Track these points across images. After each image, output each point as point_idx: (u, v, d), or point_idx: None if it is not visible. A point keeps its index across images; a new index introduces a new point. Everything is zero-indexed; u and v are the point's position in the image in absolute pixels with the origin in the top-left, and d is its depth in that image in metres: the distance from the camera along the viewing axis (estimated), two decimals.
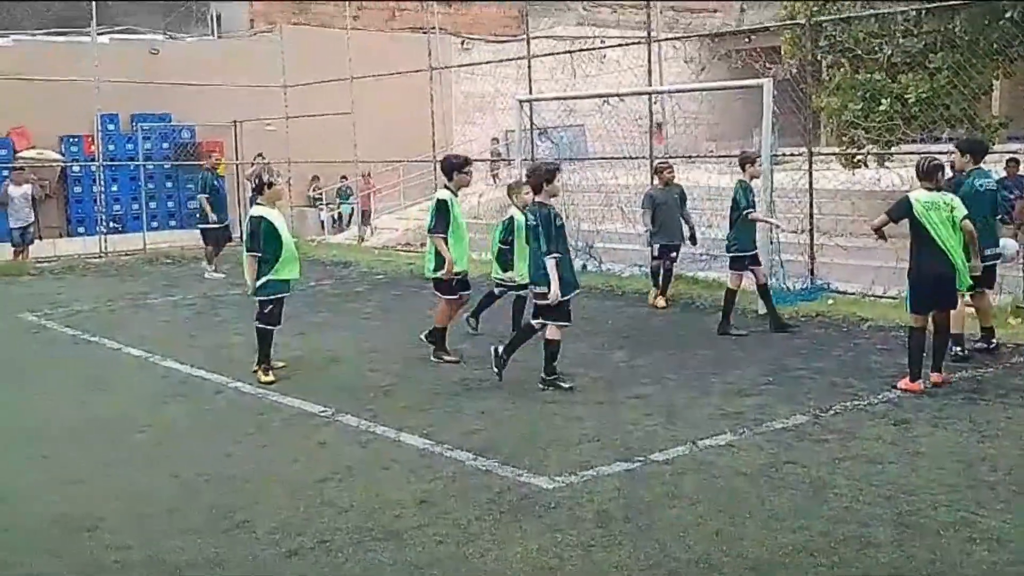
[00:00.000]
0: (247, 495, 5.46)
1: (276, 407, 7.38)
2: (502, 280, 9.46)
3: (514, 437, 6.42)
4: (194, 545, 4.76)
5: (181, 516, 5.17)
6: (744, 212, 9.29)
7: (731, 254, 9.47)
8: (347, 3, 19.89)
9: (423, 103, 17.51)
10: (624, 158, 12.32)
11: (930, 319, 7.29)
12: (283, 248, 8.13)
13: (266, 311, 8.17)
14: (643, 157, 12.92)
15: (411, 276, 14.46)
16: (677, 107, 13.58)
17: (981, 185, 8.06)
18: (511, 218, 9.24)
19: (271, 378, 8.04)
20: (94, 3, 17.59)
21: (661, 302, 10.85)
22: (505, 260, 9.33)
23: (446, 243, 8.41)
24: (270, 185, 8.21)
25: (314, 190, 22.74)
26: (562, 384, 7.52)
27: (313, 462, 6.05)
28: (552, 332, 7.55)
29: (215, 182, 15.55)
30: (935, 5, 11.26)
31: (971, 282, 7.32)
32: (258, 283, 8.10)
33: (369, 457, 6.13)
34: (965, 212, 7.16)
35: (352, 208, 22.43)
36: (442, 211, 8.41)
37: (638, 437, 6.30)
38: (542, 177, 7.52)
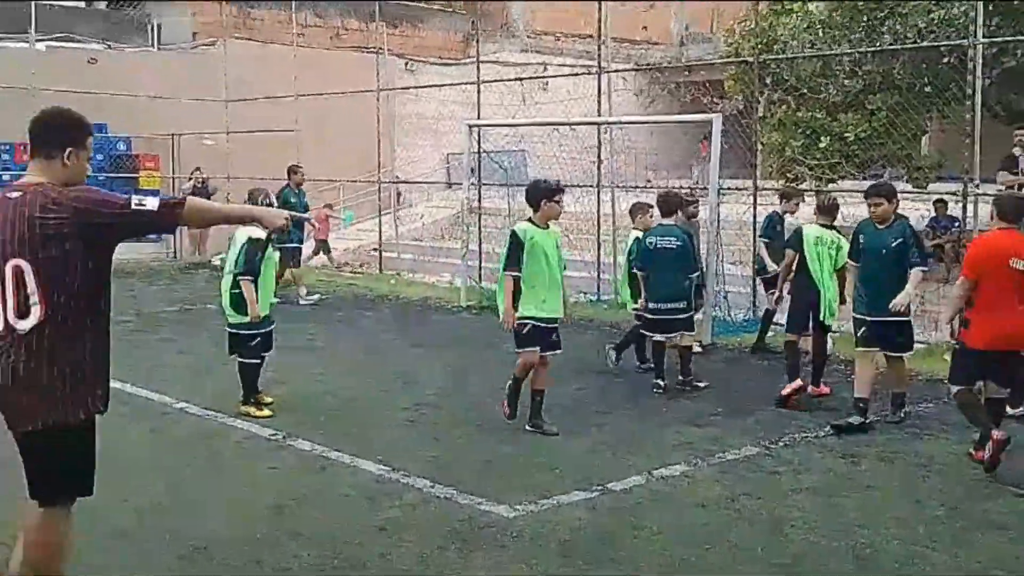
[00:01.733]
0: (202, 521, 5.33)
1: (226, 430, 7.24)
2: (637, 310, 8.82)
3: (471, 465, 6.40)
4: (149, 572, 4.64)
5: (135, 541, 5.04)
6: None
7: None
8: (293, 20, 19.73)
9: (367, 122, 17.45)
10: (576, 186, 12.43)
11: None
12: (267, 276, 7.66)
13: (254, 344, 7.66)
14: (590, 185, 13.07)
15: (354, 298, 14.36)
16: (627, 137, 13.77)
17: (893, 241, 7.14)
18: (636, 240, 8.85)
19: (266, 412, 7.54)
20: (34, 7, 17.18)
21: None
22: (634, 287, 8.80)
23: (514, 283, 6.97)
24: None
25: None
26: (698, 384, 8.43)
27: (268, 488, 5.95)
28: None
29: (292, 198, 13.71)
30: (877, 48, 11.63)
31: (833, 314, 8.05)
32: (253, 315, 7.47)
33: (325, 483, 6.05)
34: (846, 257, 7.67)
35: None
36: (514, 245, 6.95)
37: (595, 466, 6.32)
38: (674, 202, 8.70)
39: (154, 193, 3.07)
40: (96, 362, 3.81)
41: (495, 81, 15.85)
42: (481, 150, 13.98)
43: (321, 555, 4.85)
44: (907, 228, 7.23)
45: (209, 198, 19.08)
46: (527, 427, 7.06)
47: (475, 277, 13.83)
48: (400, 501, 5.67)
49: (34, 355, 3.62)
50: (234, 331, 7.65)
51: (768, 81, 12.26)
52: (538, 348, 7.01)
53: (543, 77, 17.02)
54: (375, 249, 18.56)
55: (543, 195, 7.02)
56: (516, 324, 6.95)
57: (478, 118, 14.66)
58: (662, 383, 8.32)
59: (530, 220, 7.07)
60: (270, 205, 7.77)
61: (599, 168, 13.03)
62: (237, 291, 7.48)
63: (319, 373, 9.21)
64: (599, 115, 12.95)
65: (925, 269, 7.27)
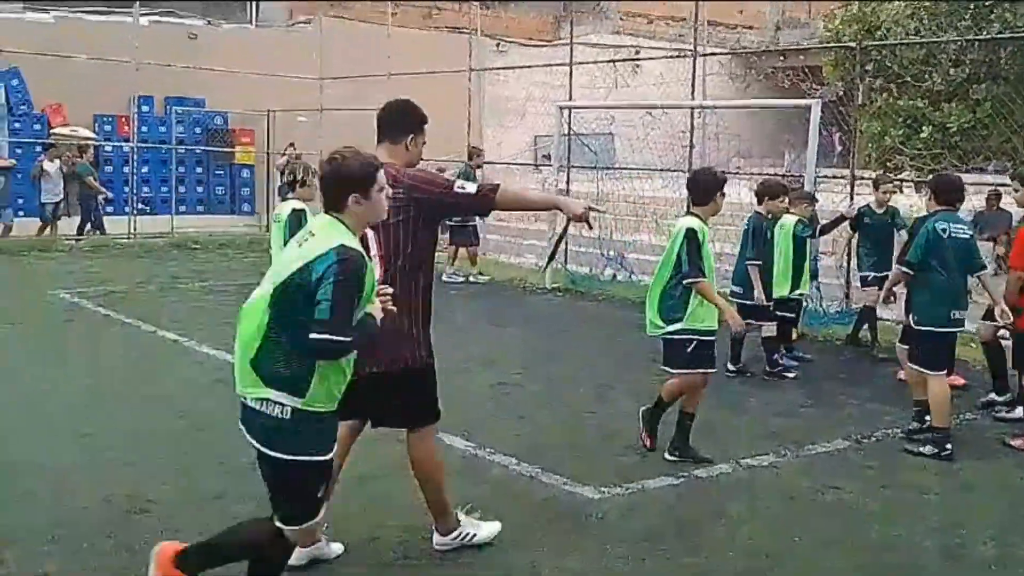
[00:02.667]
0: None
1: None
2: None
3: (555, 445, 6.42)
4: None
5: (229, 503, 5.18)
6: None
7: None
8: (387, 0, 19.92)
9: (457, 103, 17.53)
10: (668, 170, 12.31)
11: None
12: None
13: None
14: (681, 170, 12.91)
15: (439, 277, 14.48)
16: (720, 122, 13.57)
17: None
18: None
19: None
20: None
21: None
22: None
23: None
24: (302, 183, 7.59)
25: None
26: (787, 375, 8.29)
27: (356, 458, 6.03)
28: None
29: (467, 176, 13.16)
30: (985, 37, 11.24)
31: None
32: None
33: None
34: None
35: None
36: (693, 246, 5.86)
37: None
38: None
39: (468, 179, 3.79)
40: (416, 322, 4.30)
41: (588, 63, 15.74)
42: (571, 132, 13.93)
43: (408, 525, 4.92)
44: None
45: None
46: (668, 455, 6.08)
47: (560, 260, 13.81)
48: (486, 477, 5.73)
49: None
50: None
51: (869, 68, 11.93)
52: (704, 369, 6.05)
53: (637, 60, 16.85)
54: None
55: (717, 186, 6.07)
56: (676, 340, 5.96)
57: (569, 99, 14.60)
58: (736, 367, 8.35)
59: (695, 215, 6.07)
60: (303, 180, 7.42)
61: (690, 153, 12.88)
62: None
63: None
64: (692, 99, 12.79)
65: None
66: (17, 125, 18.61)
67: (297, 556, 4.14)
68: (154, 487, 5.38)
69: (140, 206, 18.56)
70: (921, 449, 6.36)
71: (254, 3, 22.80)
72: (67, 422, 6.61)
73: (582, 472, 5.80)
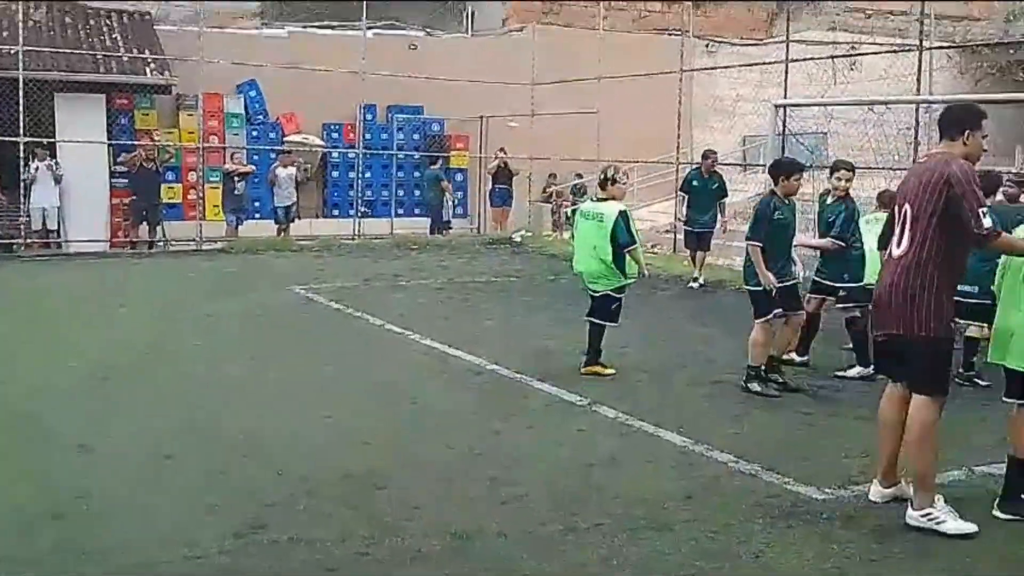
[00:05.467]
0: (519, 472, 5.70)
1: (535, 392, 7.64)
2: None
3: (773, 444, 6.36)
4: (476, 514, 5.02)
5: (460, 485, 5.46)
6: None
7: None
8: (599, 4, 20.12)
9: (665, 104, 17.50)
10: (892, 169, 11.83)
11: None
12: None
13: (613, 307, 8.22)
14: (903, 168, 12.36)
15: (649, 277, 14.46)
16: None
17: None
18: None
19: (611, 371, 8.16)
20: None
21: None
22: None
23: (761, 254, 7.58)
24: (613, 181, 8.22)
25: (549, 187, 23.20)
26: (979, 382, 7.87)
27: (578, 447, 6.23)
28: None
29: (696, 182, 13.79)
30: None
31: None
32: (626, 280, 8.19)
33: (630, 448, 6.25)
34: None
35: None
36: (760, 217, 7.68)
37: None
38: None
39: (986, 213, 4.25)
40: (934, 296, 4.86)
41: (805, 60, 15.33)
42: (786, 131, 13.61)
43: (630, 514, 5.03)
44: None
45: (511, 177, 20.01)
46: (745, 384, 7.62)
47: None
48: (703, 473, 5.75)
49: (896, 275, 4.95)
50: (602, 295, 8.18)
51: None
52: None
53: (858, 55, 16.23)
54: (667, 231, 18.62)
55: (780, 172, 7.81)
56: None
57: (785, 97, 14.28)
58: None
59: (774, 192, 7.75)
60: (614, 179, 8.17)
61: (915, 150, 12.32)
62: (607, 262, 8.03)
63: (621, 345, 9.41)
64: (918, 94, 12.23)
65: None
66: (255, 133, 20.12)
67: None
68: (390, 466, 5.75)
69: (363, 209, 19.62)
70: None
71: (471, 12, 23.58)
72: (312, 405, 7.14)
73: (804, 472, 5.71)
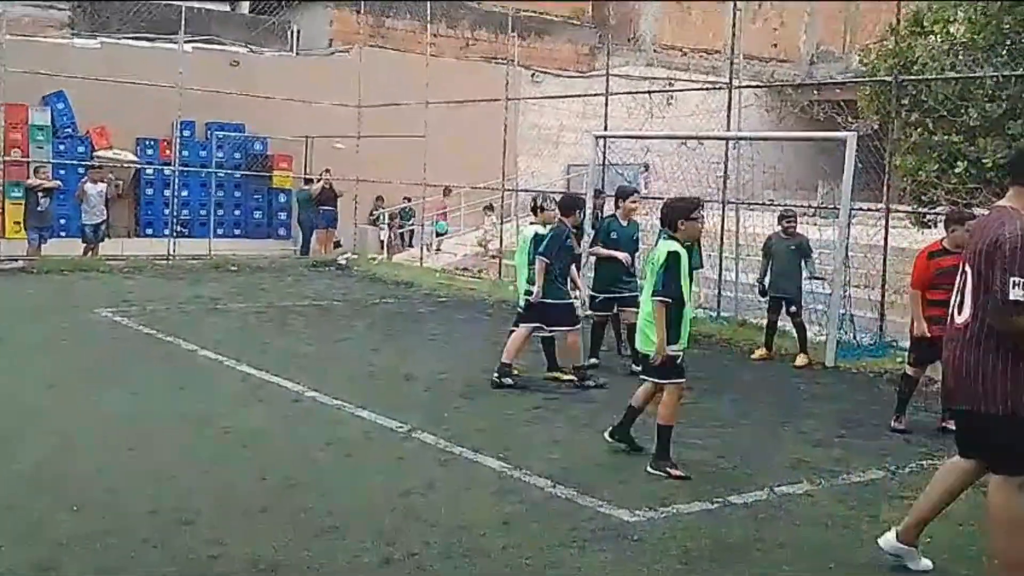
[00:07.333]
0: (335, 501, 5.57)
1: (355, 419, 7.51)
2: None
3: (591, 468, 6.48)
4: (289, 546, 4.87)
5: (273, 516, 5.29)
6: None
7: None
8: (427, 30, 20.22)
9: (492, 131, 17.73)
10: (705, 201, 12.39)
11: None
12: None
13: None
14: (716, 200, 13.00)
15: (473, 301, 14.61)
16: (755, 153, 13.66)
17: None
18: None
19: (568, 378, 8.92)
20: (183, 10, 18.06)
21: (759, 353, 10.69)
22: None
23: (667, 313, 6.35)
24: (542, 209, 9.21)
25: (376, 210, 23.05)
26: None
27: (396, 475, 6.16)
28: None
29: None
30: (1020, 73, 11.22)
31: None
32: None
33: (449, 475, 6.23)
34: None
35: (412, 229, 22.73)
36: (672, 267, 6.31)
37: (716, 478, 6.33)
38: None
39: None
40: (1004, 371, 4.27)
41: (624, 93, 15.89)
42: (606, 162, 14.06)
43: (447, 543, 5.00)
44: None
45: (336, 199, 19.75)
46: (607, 437, 6.87)
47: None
48: (522, 498, 5.80)
49: (961, 345, 4.39)
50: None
51: (904, 102, 11.95)
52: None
53: (673, 91, 16.98)
54: (494, 256, 18.85)
55: (678, 214, 6.43)
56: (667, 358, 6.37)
57: (605, 129, 14.74)
58: None
59: (674, 238, 6.42)
60: (542, 207, 9.29)
61: (724, 183, 12.97)
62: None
63: (440, 371, 9.41)
64: (728, 130, 12.89)
65: None
66: (62, 147, 19.04)
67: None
68: (199, 500, 5.50)
69: (179, 228, 18.87)
70: None
71: (294, 30, 23.21)
72: (116, 436, 6.76)
73: (618, 495, 5.85)
